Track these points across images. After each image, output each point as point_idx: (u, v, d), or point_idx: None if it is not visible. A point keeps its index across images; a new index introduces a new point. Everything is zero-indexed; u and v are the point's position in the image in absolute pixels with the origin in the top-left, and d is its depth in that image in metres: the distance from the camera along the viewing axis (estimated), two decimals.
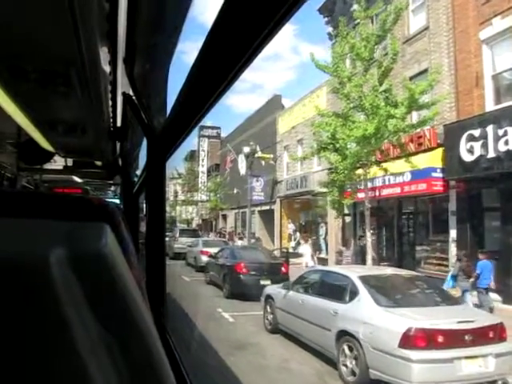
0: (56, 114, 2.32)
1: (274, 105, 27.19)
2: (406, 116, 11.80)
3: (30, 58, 1.50)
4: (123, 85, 1.80)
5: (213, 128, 40.70)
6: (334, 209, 14.34)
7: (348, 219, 18.53)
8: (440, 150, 12.87)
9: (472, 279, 9.78)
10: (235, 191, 29.25)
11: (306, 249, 17.72)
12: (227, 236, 28.01)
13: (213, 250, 16.77)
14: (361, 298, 6.51)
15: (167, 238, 22.95)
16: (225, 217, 35.07)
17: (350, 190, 13.48)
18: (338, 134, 12.31)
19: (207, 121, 37.45)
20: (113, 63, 1.57)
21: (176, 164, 41.15)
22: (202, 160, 40.63)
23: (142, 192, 2.97)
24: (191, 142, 40.44)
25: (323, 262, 19.03)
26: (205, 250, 18.23)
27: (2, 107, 2.00)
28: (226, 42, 0.70)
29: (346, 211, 17.29)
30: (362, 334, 5.97)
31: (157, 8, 1.14)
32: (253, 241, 23.95)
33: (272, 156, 24.83)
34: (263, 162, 24.60)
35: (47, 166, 4.24)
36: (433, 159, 12.94)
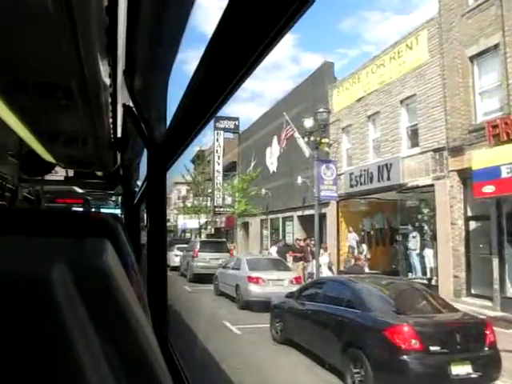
0: (57, 126, 2.34)
1: (322, 77, 19.32)
2: None
3: (31, 71, 1.51)
4: (123, 96, 1.81)
5: (230, 119, 31.47)
6: None
7: (473, 225, 11.72)
8: None
9: None
10: (263, 192, 22.71)
11: (324, 259, 15.80)
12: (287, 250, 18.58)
13: (268, 276, 11.61)
14: None
15: (181, 253, 20.58)
16: (246, 225, 27.65)
17: None
18: None
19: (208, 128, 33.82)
20: (113, 75, 1.58)
21: (181, 168, 32.47)
22: (218, 157, 31.35)
23: (143, 202, 2.98)
24: (201, 139, 32.67)
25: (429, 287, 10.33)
26: (254, 275, 11.77)
27: (4, 119, 2.02)
28: (227, 51, 0.70)
29: (470, 213, 11.61)
30: None
31: (156, 20, 1.15)
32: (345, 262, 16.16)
33: (327, 141, 17.01)
34: (308, 151, 17.14)
35: (48, 177, 4.27)
36: None
